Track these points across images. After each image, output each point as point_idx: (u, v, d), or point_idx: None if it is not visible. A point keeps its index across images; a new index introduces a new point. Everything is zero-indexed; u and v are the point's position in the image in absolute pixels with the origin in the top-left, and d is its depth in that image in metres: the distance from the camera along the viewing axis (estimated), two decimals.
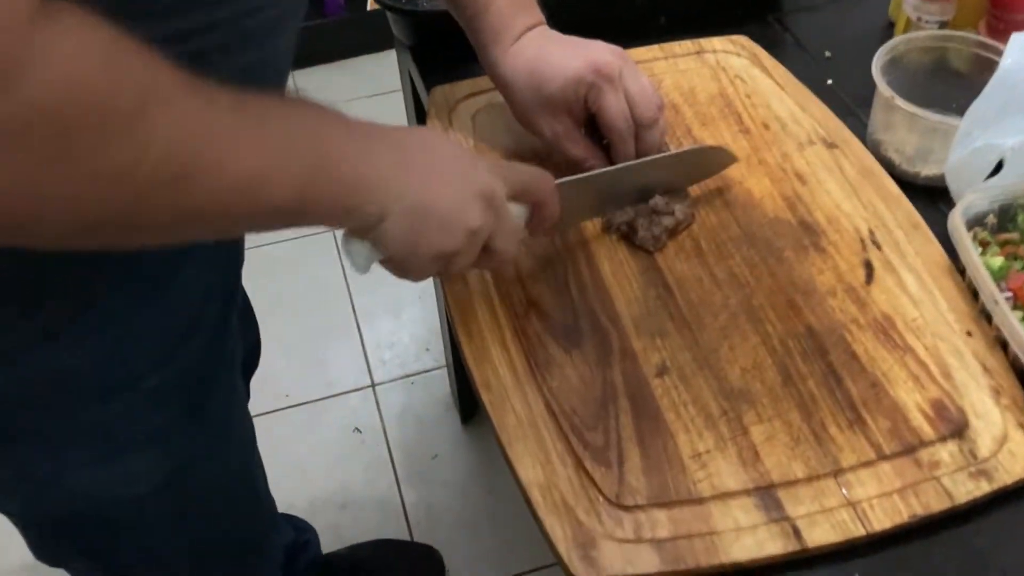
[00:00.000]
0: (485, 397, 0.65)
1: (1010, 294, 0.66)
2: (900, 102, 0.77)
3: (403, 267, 0.59)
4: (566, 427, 0.63)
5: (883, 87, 0.78)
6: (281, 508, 1.32)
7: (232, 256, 0.74)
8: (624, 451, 0.62)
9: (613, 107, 0.72)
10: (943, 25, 0.86)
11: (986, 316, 0.67)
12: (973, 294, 0.69)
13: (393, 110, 1.27)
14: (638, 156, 0.75)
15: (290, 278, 1.88)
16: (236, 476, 0.80)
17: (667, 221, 0.74)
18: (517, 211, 0.64)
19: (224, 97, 0.47)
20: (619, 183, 0.73)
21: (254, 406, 1.63)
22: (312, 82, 2.34)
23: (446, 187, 0.57)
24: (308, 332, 1.82)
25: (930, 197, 0.78)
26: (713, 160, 0.78)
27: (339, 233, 0.59)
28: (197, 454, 0.72)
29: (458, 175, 0.58)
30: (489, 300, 0.71)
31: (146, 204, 0.44)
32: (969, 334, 0.67)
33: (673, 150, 0.77)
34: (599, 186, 0.72)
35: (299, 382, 1.74)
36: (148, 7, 0.49)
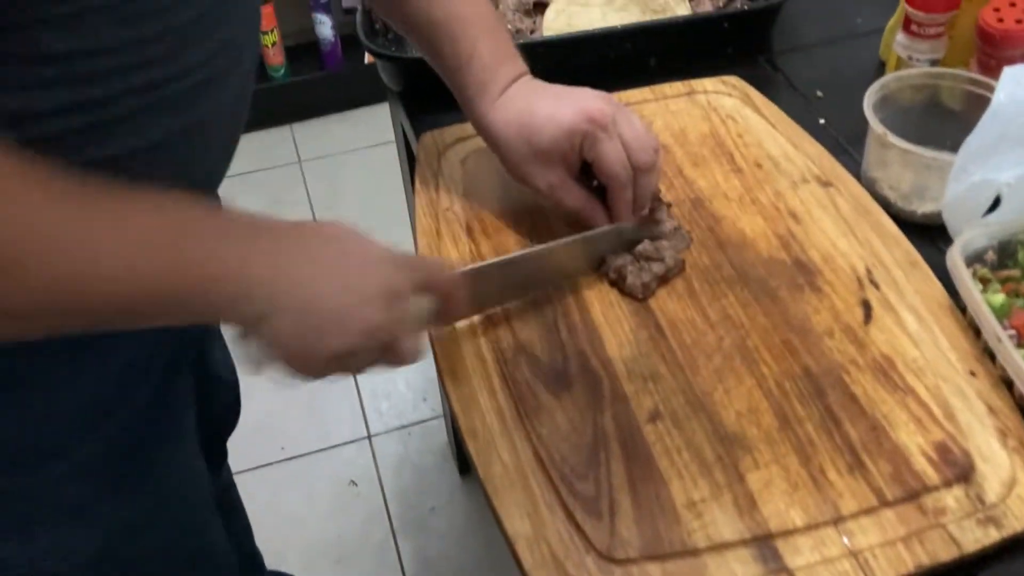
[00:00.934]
0: (471, 445, 0.62)
1: (1013, 332, 0.64)
2: (893, 139, 0.76)
3: (296, 367, 0.56)
4: (555, 476, 0.60)
5: (875, 124, 0.77)
6: (275, 562, 1.28)
7: (179, 333, 0.70)
8: (616, 501, 0.59)
9: (610, 155, 0.70)
10: (934, 63, 0.85)
11: (989, 355, 0.65)
12: (975, 332, 0.67)
13: (390, 160, 1.27)
14: (636, 199, 0.73)
15: None
16: (185, 544, 0.76)
17: (656, 268, 0.72)
18: (421, 304, 0.61)
19: (68, 187, 0.45)
20: (525, 269, 0.71)
21: (248, 459, 1.62)
22: (311, 134, 2.35)
23: (341, 283, 0.55)
24: (304, 385, 1.80)
25: (927, 235, 0.76)
26: (620, 240, 0.74)
27: None
28: (132, 526, 0.68)
29: (356, 270, 0.56)
30: (477, 345, 0.69)
31: None
32: (972, 374, 0.65)
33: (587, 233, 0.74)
34: (509, 273, 0.70)
35: (294, 434, 1.72)
36: (59, 74, 0.48)
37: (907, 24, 0.85)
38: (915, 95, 0.83)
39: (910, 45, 0.86)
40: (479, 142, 0.83)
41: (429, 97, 0.88)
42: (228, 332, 0.57)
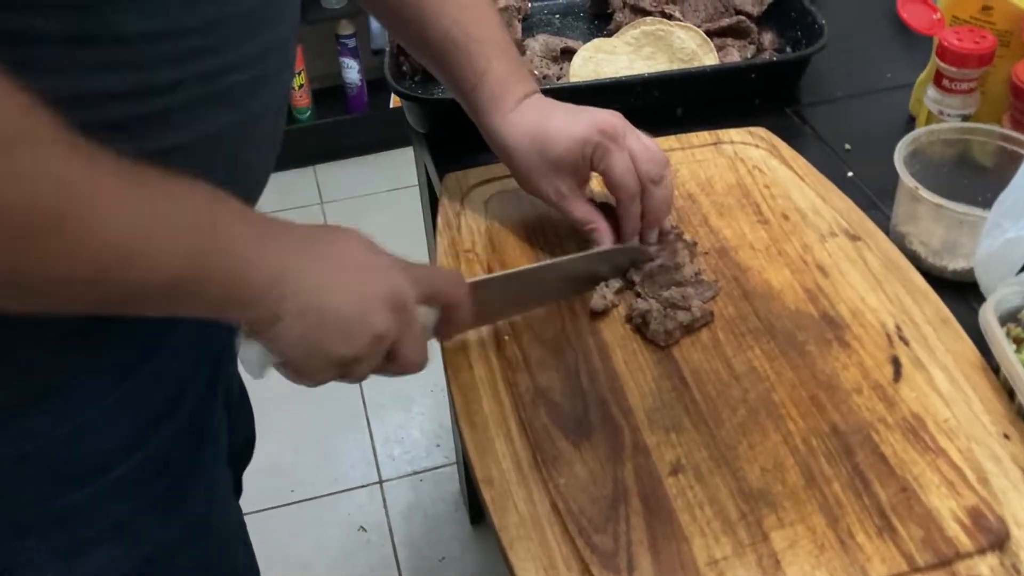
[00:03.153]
0: (486, 493, 0.61)
1: None
2: (925, 193, 0.74)
3: (299, 371, 0.56)
4: (573, 529, 0.58)
5: (907, 178, 0.76)
6: None
7: (214, 346, 0.70)
8: (634, 556, 0.57)
9: (620, 165, 0.72)
10: (965, 118, 0.84)
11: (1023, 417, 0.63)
12: (1009, 394, 0.65)
13: (412, 203, 1.27)
14: (647, 213, 0.74)
15: None
16: (217, 570, 0.75)
17: (682, 317, 0.70)
18: (426, 314, 0.61)
19: (109, 161, 0.45)
20: (532, 283, 0.72)
21: (258, 500, 1.60)
22: (334, 175, 2.36)
23: (349, 289, 0.55)
24: (317, 425, 1.78)
25: (959, 292, 0.75)
26: (629, 257, 0.75)
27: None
28: (171, 548, 0.67)
29: (364, 277, 0.56)
30: (495, 389, 0.68)
31: (11, 256, 0.43)
32: (1007, 437, 0.62)
33: (605, 247, 0.75)
34: (516, 285, 0.71)
35: (305, 477, 1.70)
36: (125, 57, 0.49)
37: (938, 79, 0.84)
38: (946, 150, 0.82)
39: (941, 100, 0.85)
40: (503, 184, 0.83)
41: (454, 139, 0.88)
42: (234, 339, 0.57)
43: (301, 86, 2.27)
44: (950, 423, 0.64)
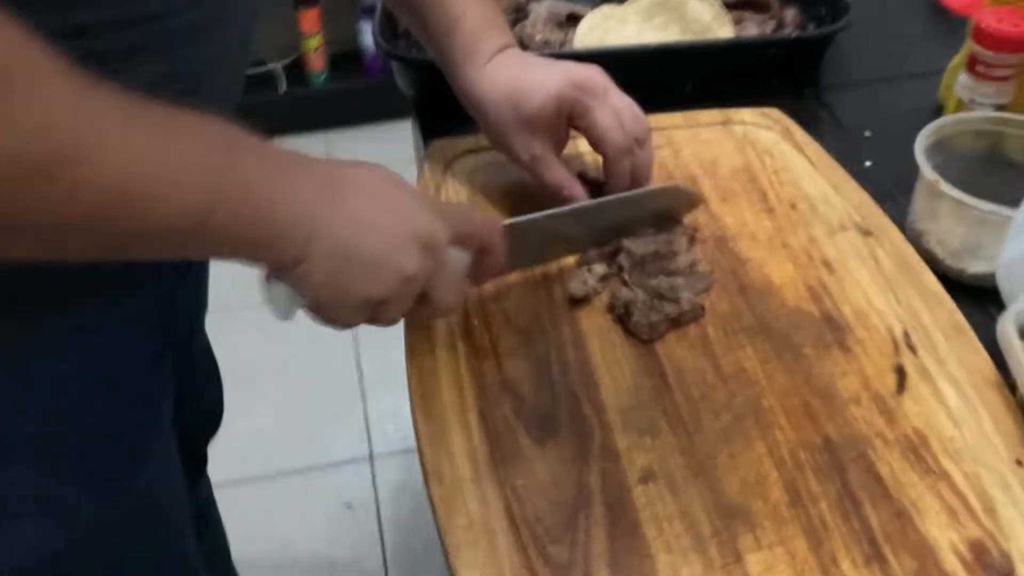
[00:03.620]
0: (435, 490, 0.55)
1: None
2: (945, 187, 0.68)
3: (327, 313, 0.53)
4: (526, 536, 0.53)
5: (927, 170, 0.69)
6: None
7: (161, 318, 0.66)
8: (592, 572, 0.51)
9: (605, 120, 0.67)
10: (999, 108, 0.77)
11: None
12: None
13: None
14: (631, 177, 0.70)
15: (295, 338, 1.80)
16: (156, 551, 0.71)
17: (669, 309, 0.64)
18: (458, 257, 0.58)
19: (113, 95, 0.42)
20: (571, 225, 0.68)
21: (242, 471, 1.56)
22: (345, 142, 2.31)
23: (378, 228, 0.52)
24: (308, 397, 1.74)
25: (976, 298, 0.68)
26: (677, 201, 0.72)
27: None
28: (103, 529, 0.63)
29: (394, 215, 0.53)
30: (457, 377, 0.62)
31: (20, 196, 0.40)
32: (1019, 463, 0.56)
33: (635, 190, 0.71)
34: (549, 229, 0.67)
35: (292, 449, 1.65)
36: None
37: (972, 64, 0.77)
38: (975, 142, 0.75)
39: (974, 87, 0.78)
40: (494, 155, 0.77)
41: (443, 105, 0.82)
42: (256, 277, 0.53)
43: (317, 48, 2.22)
44: (956, 443, 0.57)
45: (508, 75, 0.69)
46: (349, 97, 2.30)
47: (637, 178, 0.70)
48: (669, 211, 0.72)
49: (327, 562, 1.51)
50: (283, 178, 0.49)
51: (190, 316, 0.78)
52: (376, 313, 0.54)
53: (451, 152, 0.80)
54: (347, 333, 1.82)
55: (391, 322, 0.55)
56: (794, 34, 0.91)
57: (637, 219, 0.70)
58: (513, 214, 0.74)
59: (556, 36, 0.92)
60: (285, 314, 0.53)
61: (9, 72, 0.38)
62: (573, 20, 0.93)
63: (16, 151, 0.38)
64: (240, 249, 0.49)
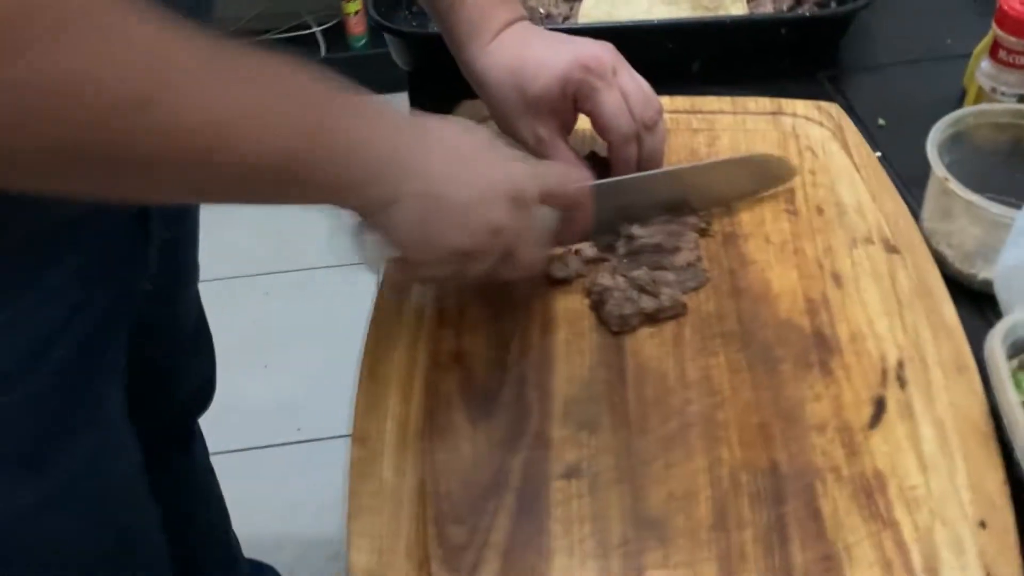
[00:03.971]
0: (355, 452, 0.55)
1: None
2: (955, 186, 0.61)
3: (414, 263, 0.53)
4: (430, 513, 0.52)
5: (938, 166, 0.63)
6: (268, 549, 1.23)
7: (118, 273, 0.64)
8: (482, 559, 0.50)
9: (611, 104, 0.64)
10: (1023, 99, 0.69)
11: (1017, 495, 0.50)
12: (1008, 464, 0.52)
13: None
14: (638, 165, 0.67)
15: (325, 304, 1.76)
16: (101, 537, 0.68)
17: (646, 303, 0.61)
18: (546, 215, 0.57)
19: (196, 33, 0.42)
20: (659, 189, 0.66)
21: (261, 436, 1.56)
22: None
23: (470, 177, 0.52)
24: (335, 364, 1.73)
25: (983, 308, 0.62)
26: (771, 171, 0.69)
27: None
28: (26, 508, 0.60)
29: (484, 166, 0.53)
30: (415, 342, 0.61)
31: (106, 130, 0.39)
32: (983, 525, 0.50)
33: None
34: (637, 191, 0.65)
35: (315, 415, 1.62)
36: None
37: (995, 50, 0.69)
38: (998, 136, 0.68)
39: (996, 75, 0.70)
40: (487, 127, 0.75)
41: (438, 80, 0.79)
42: (341, 224, 0.54)
43: (357, 13, 2.17)
44: (917, 492, 0.52)
45: (512, 54, 0.66)
46: (388, 63, 2.25)
47: (643, 166, 0.67)
48: (763, 182, 0.70)
49: (336, 531, 1.52)
50: (374, 121, 0.50)
51: (152, 293, 0.71)
52: (460, 264, 0.53)
53: (479, 114, 0.78)
54: (356, 303, 1.81)
55: (476, 275, 0.55)
56: (807, 12, 0.83)
57: (726, 189, 0.68)
58: None
59: (561, 9, 0.88)
60: (375, 263, 0.54)
61: (89, 8, 0.37)
62: None
63: (108, 83, 0.38)
64: (330, 190, 0.49)
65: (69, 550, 0.66)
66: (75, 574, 0.68)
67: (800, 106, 0.78)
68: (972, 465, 0.53)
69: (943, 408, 0.56)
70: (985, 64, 0.71)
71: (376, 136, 0.50)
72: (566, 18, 0.88)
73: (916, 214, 0.68)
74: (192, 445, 1.01)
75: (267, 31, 2.17)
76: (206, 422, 1.04)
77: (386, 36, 0.84)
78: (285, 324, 1.76)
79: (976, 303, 0.62)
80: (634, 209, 0.66)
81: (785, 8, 0.86)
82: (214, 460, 1.09)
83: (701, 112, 0.78)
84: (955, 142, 0.65)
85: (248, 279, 1.89)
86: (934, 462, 0.53)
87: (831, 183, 0.71)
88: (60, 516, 0.64)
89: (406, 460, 0.54)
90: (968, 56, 0.79)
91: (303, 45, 2.23)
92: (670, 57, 0.81)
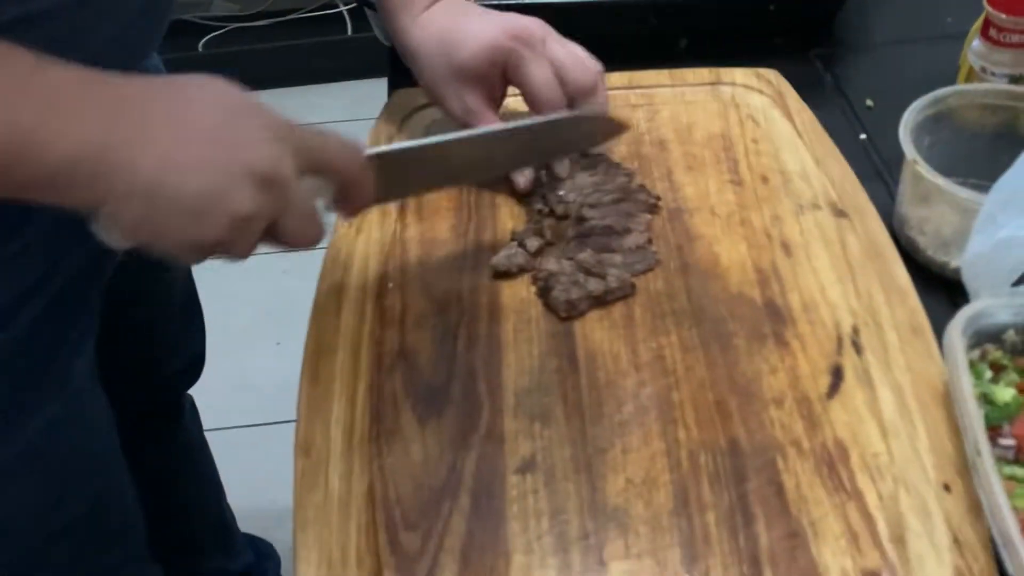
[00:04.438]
0: (299, 462, 0.52)
1: (1012, 442, 0.49)
2: (923, 168, 0.60)
3: (163, 252, 0.48)
4: (381, 519, 0.50)
5: (908, 148, 0.61)
6: (273, 525, 1.21)
7: (88, 247, 0.62)
8: (438, 564, 0.48)
9: (537, 75, 0.63)
10: (1015, 80, 0.68)
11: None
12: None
13: None
14: None
15: (300, 285, 1.78)
16: (66, 509, 0.69)
17: (594, 286, 0.59)
18: (315, 188, 0.51)
19: None
20: (457, 154, 0.61)
21: (274, 413, 1.55)
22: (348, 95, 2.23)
23: (199, 162, 0.45)
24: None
25: (953, 296, 0.60)
26: (591, 130, 0.66)
27: None
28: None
29: (223, 146, 0.46)
30: (357, 342, 0.59)
31: None
32: (947, 488, 0.49)
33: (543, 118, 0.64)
34: (429, 158, 0.60)
35: (292, 394, 1.63)
36: None
37: (986, 28, 0.68)
38: (987, 118, 0.66)
39: (987, 54, 0.68)
40: None
41: None
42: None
43: None
44: (880, 460, 0.51)
45: (442, 24, 0.65)
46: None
47: None
48: (581, 139, 0.66)
49: None
50: (56, 109, 0.44)
51: (131, 261, 0.74)
52: (214, 253, 0.48)
53: (412, 102, 0.76)
54: None
55: (240, 257, 0.49)
56: None
57: (544, 150, 0.66)
58: None
59: None
60: (117, 244, 0.47)
61: None
62: None
63: None
64: (23, 191, 0.44)
65: (34, 516, 0.66)
66: (40, 542, 0.67)
67: (739, 74, 0.76)
68: (932, 428, 0.52)
69: (900, 372, 0.55)
70: (976, 43, 0.69)
71: (59, 128, 0.44)
72: None
73: (892, 200, 0.66)
74: (181, 418, 0.99)
75: (295, 10, 2.12)
76: (216, 397, 1.02)
77: (367, 12, 0.81)
78: (301, 303, 1.73)
79: (949, 294, 0.61)
80: (441, 173, 0.62)
81: None
82: (224, 435, 1.08)
83: (640, 87, 0.76)
84: (936, 123, 0.64)
85: (267, 257, 1.87)
86: (894, 428, 0.52)
87: (774, 151, 0.70)
88: (24, 481, 0.64)
89: (353, 467, 0.52)
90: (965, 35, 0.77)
91: (330, 24, 2.18)
92: (655, 34, 0.79)
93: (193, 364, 0.96)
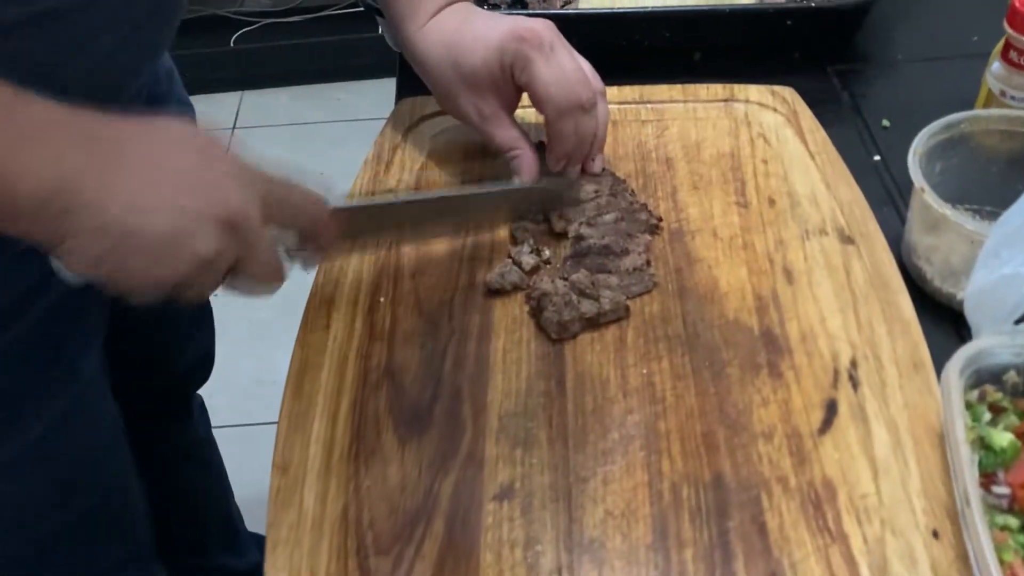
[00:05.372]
0: (275, 481, 0.52)
1: (1006, 491, 0.47)
2: (930, 196, 0.58)
3: (116, 290, 0.48)
4: (352, 544, 0.49)
5: (916, 175, 0.59)
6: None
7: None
8: None
9: (545, 75, 0.62)
10: None
11: None
12: None
13: None
14: (576, 143, 0.64)
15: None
16: (75, 503, 0.70)
17: (587, 307, 0.58)
18: (278, 236, 0.52)
19: None
20: (421, 214, 0.63)
21: (248, 414, 1.54)
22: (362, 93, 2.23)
23: (166, 203, 0.46)
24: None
25: (958, 330, 0.58)
26: (548, 197, 0.66)
27: None
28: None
29: (190, 189, 0.47)
30: (343, 358, 0.58)
31: None
32: (936, 535, 0.47)
33: (517, 184, 0.65)
34: (393, 216, 0.62)
35: None
36: None
37: (1006, 50, 0.65)
38: (1004, 145, 0.64)
39: (1007, 78, 0.66)
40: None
41: None
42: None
43: None
44: (868, 501, 0.49)
45: (450, 30, 0.65)
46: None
47: (581, 144, 0.64)
48: (543, 205, 0.66)
49: None
50: (29, 144, 0.44)
51: None
52: (173, 293, 0.49)
53: (418, 111, 0.75)
54: None
55: (196, 300, 0.50)
56: (811, 3, 0.80)
57: (501, 213, 0.65)
58: (466, 179, 0.70)
59: None
60: (73, 280, 0.48)
61: None
62: None
63: None
64: None
65: (40, 512, 0.68)
66: (45, 537, 0.69)
67: (753, 91, 0.75)
68: (926, 469, 0.50)
69: (897, 409, 0.53)
70: (996, 65, 0.67)
71: (29, 162, 0.44)
72: (567, 2, 0.84)
73: (902, 225, 0.64)
74: (191, 416, 1.00)
75: (326, 7, 2.13)
76: (235, 393, 1.02)
77: (377, 20, 0.81)
78: (270, 304, 1.74)
79: (953, 326, 0.59)
80: (404, 227, 0.63)
81: None
82: (239, 431, 1.07)
83: (650, 102, 0.75)
84: (949, 148, 0.62)
85: None
86: (886, 467, 0.50)
87: (784, 172, 0.68)
88: (31, 477, 0.65)
89: (330, 487, 0.51)
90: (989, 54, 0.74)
91: (361, 21, 2.18)
92: (669, 47, 0.78)
93: (202, 364, 0.96)
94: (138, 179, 0.46)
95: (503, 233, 0.65)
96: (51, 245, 0.46)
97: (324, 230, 0.54)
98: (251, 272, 0.50)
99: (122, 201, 0.45)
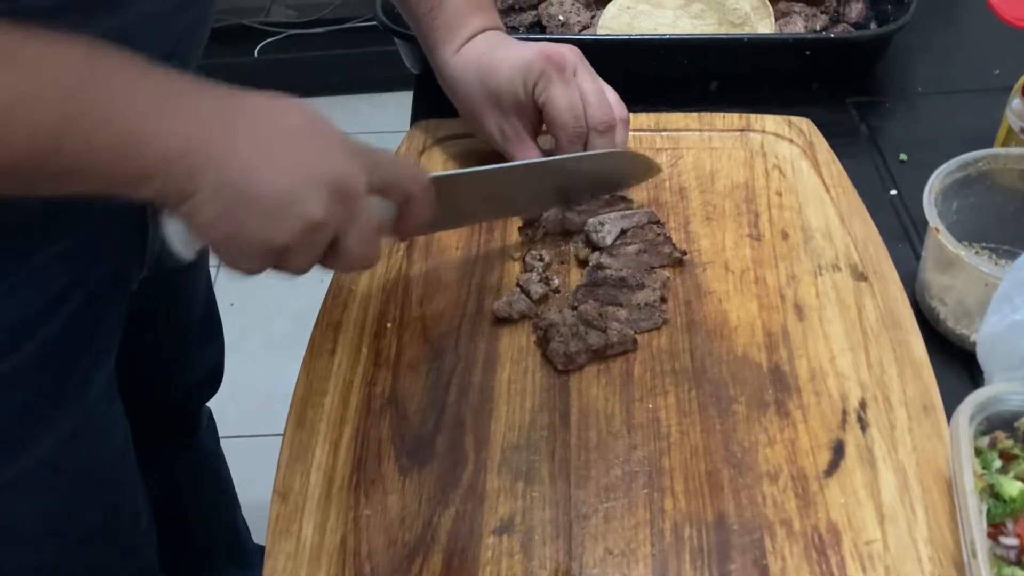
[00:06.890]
0: (275, 508, 0.52)
1: (1015, 542, 0.46)
2: (944, 237, 0.57)
3: (224, 256, 0.49)
4: (350, 574, 0.49)
5: (931, 214, 0.58)
6: None
7: (112, 266, 0.64)
8: None
9: (561, 98, 0.63)
10: None
11: None
12: None
13: None
14: None
15: (317, 294, 1.78)
16: (82, 519, 0.70)
17: (594, 339, 0.58)
18: (379, 207, 0.53)
19: None
20: (505, 184, 0.64)
21: (255, 425, 1.54)
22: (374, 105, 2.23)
23: (281, 165, 0.47)
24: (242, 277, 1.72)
25: (972, 374, 0.57)
26: (630, 168, 0.67)
27: None
28: (4, 482, 0.62)
29: (303, 154, 0.48)
30: (348, 384, 0.58)
31: None
32: None
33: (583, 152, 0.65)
34: (481, 186, 0.63)
35: None
36: None
37: None
38: (1020, 183, 0.63)
39: None
40: (473, 143, 0.72)
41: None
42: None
43: None
44: (873, 547, 0.48)
45: (481, 53, 0.67)
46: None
47: None
48: (625, 179, 0.67)
49: None
50: (159, 106, 0.46)
51: (153, 278, 0.75)
52: (279, 260, 0.49)
53: (432, 135, 0.75)
54: None
55: (299, 271, 0.51)
56: (830, 34, 0.79)
57: (583, 183, 0.66)
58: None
59: (582, 17, 0.84)
60: (184, 252, 0.49)
61: None
62: (604, 1, 0.85)
63: None
64: (112, 181, 0.46)
65: (48, 527, 0.67)
66: (53, 554, 0.69)
67: (770, 122, 0.74)
68: (933, 516, 0.49)
69: (906, 453, 0.52)
70: (1016, 102, 0.66)
71: (162, 122, 0.46)
72: (584, 27, 0.84)
73: (917, 262, 0.64)
74: (199, 430, 1.00)
75: (351, 19, 2.15)
76: (247, 405, 1.02)
77: (396, 40, 0.81)
78: (278, 313, 1.74)
79: (966, 368, 0.58)
80: (487, 202, 0.64)
81: (818, 27, 0.81)
82: (251, 442, 1.07)
83: (666, 130, 0.74)
84: (966, 186, 0.61)
85: None
86: (893, 513, 0.50)
87: (798, 205, 0.68)
88: (40, 492, 0.64)
89: (329, 517, 0.51)
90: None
91: (383, 35, 2.18)
92: (685, 75, 0.78)
93: (210, 378, 0.96)
94: (256, 142, 0.47)
95: (514, 261, 0.65)
96: (173, 206, 0.47)
97: (423, 201, 0.55)
98: (350, 245, 0.50)
99: (240, 162, 0.47)
